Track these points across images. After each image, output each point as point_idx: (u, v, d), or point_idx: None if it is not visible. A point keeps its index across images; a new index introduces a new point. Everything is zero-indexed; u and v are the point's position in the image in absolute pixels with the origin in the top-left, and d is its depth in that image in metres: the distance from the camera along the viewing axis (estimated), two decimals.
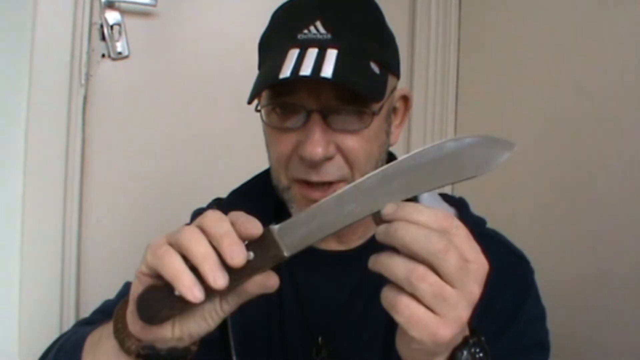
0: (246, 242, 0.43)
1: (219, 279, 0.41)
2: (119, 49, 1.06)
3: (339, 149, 0.58)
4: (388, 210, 0.43)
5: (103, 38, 1.05)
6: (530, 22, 1.06)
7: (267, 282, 0.44)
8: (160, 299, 0.43)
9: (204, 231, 0.43)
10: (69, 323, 1.01)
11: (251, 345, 0.63)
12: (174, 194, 1.10)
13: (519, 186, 1.05)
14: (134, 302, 0.44)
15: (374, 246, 0.65)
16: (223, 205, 0.71)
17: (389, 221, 0.42)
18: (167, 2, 1.10)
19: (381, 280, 0.63)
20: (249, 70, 1.16)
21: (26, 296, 0.97)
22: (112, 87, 1.07)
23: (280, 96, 0.58)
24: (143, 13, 1.09)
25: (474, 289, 0.41)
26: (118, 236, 1.08)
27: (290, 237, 0.45)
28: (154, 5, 1.08)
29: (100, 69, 1.06)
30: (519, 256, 0.67)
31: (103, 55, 1.06)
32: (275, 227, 0.45)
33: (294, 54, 0.55)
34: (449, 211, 0.66)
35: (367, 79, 0.56)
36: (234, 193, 0.72)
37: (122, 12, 1.06)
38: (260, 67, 0.63)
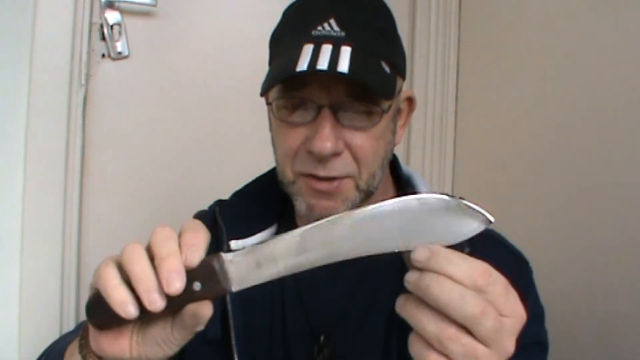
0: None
1: (153, 303, 0.39)
2: (119, 49, 1.06)
3: (347, 146, 0.58)
4: (420, 256, 0.39)
5: (103, 38, 1.05)
6: (530, 22, 1.06)
7: (199, 311, 0.42)
8: (104, 307, 0.41)
9: (149, 248, 0.42)
10: (69, 323, 1.01)
11: (252, 344, 0.63)
12: (174, 194, 1.10)
13: (519, 187, 1.05)
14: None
15: None
16: (225, 206, 0.71)
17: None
18: (167, 2, 1.10)
19: (383, 279, 0.63)
20: (249, 69, 1.17)
21: (26, 296, 0.97)
22: (112, 87, 1.07)
23: (292, 90, 0.58)
24: (143, 13, 1.09)
25: (509, 345, 0.39)
26: (118, 236, 1.08)
27: (242, 270, 0.41)
28: (154, 5, 1.08)
29: (100, 69, 1.06)
30: (518, 256, 0.67)
31: (103, 55, 1.06)
32: (227, 257, 0.42)
33: (308, 49, 0.55)
34: None
35: (379, 77, 0.56)
36: (237, 194, 0.72)
37: (122, 12, 1.06)
38: (271, 62, 0.63)
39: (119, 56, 1.07)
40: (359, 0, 0.61)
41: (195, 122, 1.14)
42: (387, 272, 0.65)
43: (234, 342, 0.61)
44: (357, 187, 0.60)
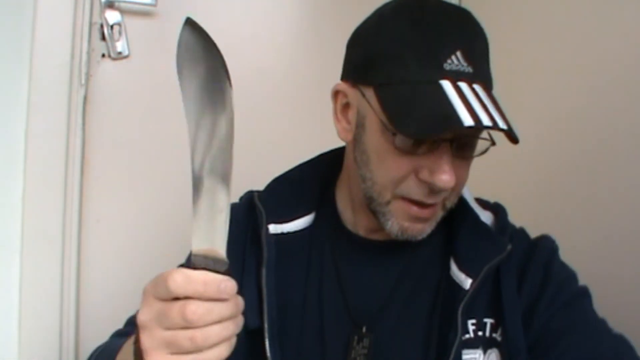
0: None
1: None
2: (119, 49, 1.06)
3: None
4: None
5: (103, 38, 1.05)
6: (531, 22, 1.06)
7: None
8: None
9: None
10: (69, 323, 1.01)
11: (285, 330, 0.64)
12: (174, 194, 1.10)
13: (519, 187, 1.05)
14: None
15: (418, 240, 0.66)
16: (264, 191, 0.70)
17: None
18: (167, 2, 1.10)
19: (425, 270, 0.65)
20: (249, 69, 1.17)
21: (26, 296, 0.97)
22: (112, 87, 1.07)
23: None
24: (143, 13, 1.09)
25: None
26: (118, 236, 1.08)
27: None
28: (154, 5, 1.08)
29: (100, 69, 1.06)
30: (533, 243, 0.67)
31: (103, 55, 1.06)
32: None
33: (449, 87, 0.54)
34: (487, 217, 0.68)
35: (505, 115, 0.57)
36: (276, 180, 0.72)
37: (122, 12, 1.06)
38: (384, 81, 0.58)
39: (119, 56, 1.07)
40: (477, 29, 0.61)
41: None
42: (430, 262, 0.66)
43: (266, 325, 0.61)
44: (444, 207, 0.62)
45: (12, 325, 0.96)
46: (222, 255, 0.44)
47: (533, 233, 0.70)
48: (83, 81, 1.02)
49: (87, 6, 1.02)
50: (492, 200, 0.73)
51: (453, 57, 0.56)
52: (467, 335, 0.60)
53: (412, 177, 0.58)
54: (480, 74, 0.57)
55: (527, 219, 0.72)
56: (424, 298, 0.64)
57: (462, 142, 0.58)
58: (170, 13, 1.11)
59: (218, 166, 0.47)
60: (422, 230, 0.61)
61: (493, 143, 0.60)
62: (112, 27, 1.05)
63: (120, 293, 1.04)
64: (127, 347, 0.52)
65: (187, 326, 0.42)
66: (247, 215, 0.68)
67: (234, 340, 0.45)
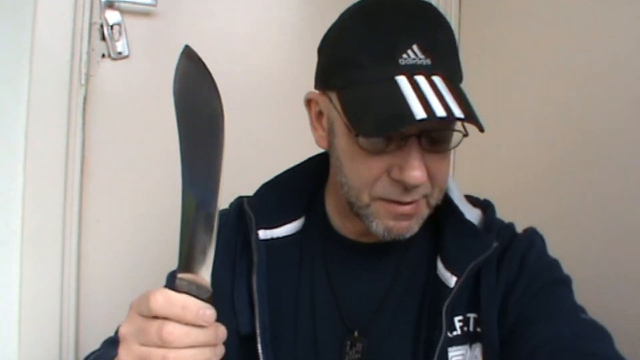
0: None
1: None
2: (119, 49, 1.06)
3: (427, 169, 0.58)
4: None
5: (103, 38, 1.05)
6: (531, 22, 1.06)
7: None
8: None
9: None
10: (69, 323, 1.01)
11: (277, 335, 0.64)
12: (174, 194, 1.10)
13: (519, 187, 1.05)
14: None
15: (407, 240, 0.66)
16: (254, 196, 0.70)
17: None
18: (167, 2, 1.10)
19: (414, 272, 0.65)
20: (249, 69, 1.17)
21: (26, 296, 0.97)
22: (112, 87, 1.07)
23: None
24: (143, 13, 1.09)
25: None
26: (118, 236, 1.08)
27: None
28: (154, 5, 1.08)
29: (100, 69, 1.06)
30: (514, 235, 0.67)
31: (103, 55, 1.06)
32: None
33: (404, 82, 0.54)
34: (475, 215, 0.67)
35: (472, 107, 0.56)
36: (266, 185, 0.72)
37: (122, 12, 1.06)
38: (345, 84, 0.59)
39: (119, 56, 1.07)
40: (433, 21, 0.59)
41: None
42: (419, 263, 0.66)
43: (258, 331, 0.61)
44: (429, 204, 0.61)
45: (12, 325, 0.96)
46: (206, 283, 0.46)
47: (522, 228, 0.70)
48: (83, 81, 1.02)
49: (87, 6, 1.02)
50: (494, 198, 0.72)
51: (409, 52, 0.55)
52: (454, 333, 0.60)
53: (385, 177, 0.58)
54: (441, 66, 0.56)
55: (521, 216, 0.72)
56: (414, 299, 0.64)
57: (431, 137, 0.57)
58: (170, 13, 1.11)
59: (206, 202, 0.51)
60: (409, 228, 0.60)
61: (465, 134, 0.58)
62: (112, 27, 1.05)
63: (120, 293, 1.04)
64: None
65: (163, 345, 0.43)
66: (237, 222, 0.68)
67: None
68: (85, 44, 1.02)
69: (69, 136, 1.01)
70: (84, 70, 1.02)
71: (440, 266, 0.62)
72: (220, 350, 0.46)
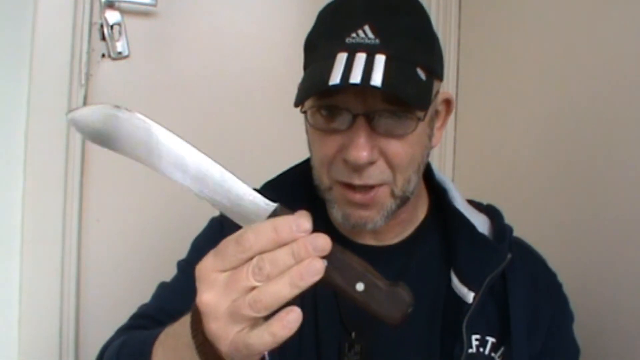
0: None
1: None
2: (119, 49, 1.06)
3: (383, 153, 0.58)
4: None
5: (103, 38, 1.05)
6: (531, 22, 1.06)
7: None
8: None
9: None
10: (69, 323, 1.01)
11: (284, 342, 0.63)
12: (174, 194, 1.10)
13: (519, 187, 1.05)
14: None
15: (411, 244, 0.66)
16: None
17: None
18: (167, 2, 1.10)
19: (419, 278, 0.64)
20: (249, 69, 1.17)
21: (26, 296, 0.97)
22: (112, 87, 1.07)
23: (327, 98, 0.58)
24: (143, 13, 1.09)
25: None
26: (118, 236, 1.08)
27: None
28: (154, 5, 1.08)
29: (100, 69, 1.06)
30: (552, 272, 0.68)
31: (103, 55, 1.06)
32: None
33: (342, 58, 0.55)
34: (482, 222, 0.67)
35: (414, 86, 0.56)
36: (267, 185, 0.72)
37: (122, 12, 1.06)
38: (305, 68, 0.63)
39: (119, 56, 1.07)
40: (394, 4, 0.59)
41: (195, 122, 1.13)
42: (427, 271, 0.65)
43: None
44: (393, 193, 0.60)
45: (12, 325, 0.96)
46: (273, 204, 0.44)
47: (526, 234, 0.70)
48: (83, 81, 1.02)
49: (87, 6, 1.02)
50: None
51: (359, 31, 0.56)
52: (470, 350, 0.60)
53: (338, 157, 0.58)
54: (390, 45, 0.55)
55: (521, 217, 0.73)
56: (422, 308, 0.62)
57: (379, 116, 0.56)
58: (170, 13, 1.11)
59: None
60: (368, 218, 0.59)
61: (418, 119, 0.57)
62: (112, 27, 1.05)
63: (120, 293, 1.04)
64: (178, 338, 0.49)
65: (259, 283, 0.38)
66: None
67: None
68: (85, 44, 1.02)
69: (69, 136, 1.01)
70: (84, 70, 1.02)
71: (455, 280, 0.62)
72: (321, 264, 0.39)
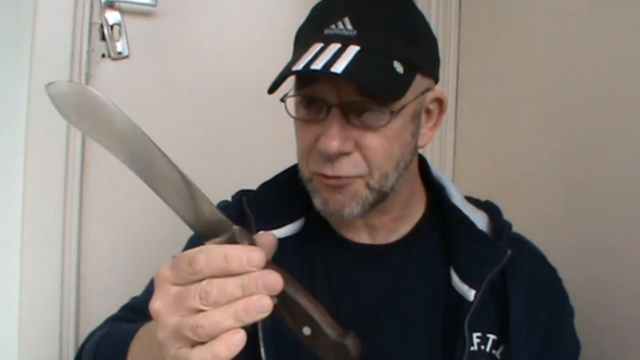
0: None
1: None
2: (119, 49, 1.06)
3: (358, 146, 0.58)
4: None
5: (103, 38, 1.05)
6: (531, 22, 1.06)
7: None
8: None
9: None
10: (69, 323, 1.01)
11: (280, 338, 0.63)
12: None
13: (519, 187, 1.05)
14: None
15: (409, 242, 0.66)
16: (253, 197, 0.70)
17: None
18: (167, 2, 1.10)
19: (418, 277, 0.64)
20: (249, 69, 1.17)
21: (26, 296, 0.97)
22: (112, 87, 1.07)
23: (303, 88, 0.59)
24: (143, 13, 1.09)
25: None
26: (118, 236, 1.08)
27: None
28: (154, 5, 1.08)
29: (100, 69, 1.06)
30: (552, 267, 0.68)
31: (103, 55, 1.06)
32: None
33: (316, 48, 0.56)
34: (481, 219, 0.66)
35: (384, 77, 0.55)
36: (265, 185, 0.72)
37: (122, 12, 1.06)
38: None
39: (119, 56, 1.07)
40: None
41: (195, 122, 1.14)
42: (426, 269, 0.65)
43: (260, 334, 0.60)
44: (368, 185, 0.59)
45: (12, 325, 0.96)
46: (235, 227, 0.44)
47: (525, 233, 0.70)
48: (83, 81, 1.02)
49: (87, 6, 1.02)
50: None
51: (339, 23, 0.56)
52: (472, 348, 0.59)
53: (315, 148, 0.59)
54: (366, 37, 0.56)
55: (520, 214, 0.73)
56: (422, 306, 0.63)
57: (355, 108, 0.57)
58: (170, 13, 1.11)
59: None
60: (344, 203, 0.59)
61: (392, 112, 0.57)
62: (112, 27, 1.05)
63: (120, 293, 1.04)
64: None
65: (205, 307, 0.39)
66: (240, 217, 0.68)
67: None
68: (85, 44, 1.02)
69: (69, 136, 1.01)
70: (84, 70, 1.02)
71: (455, 278, 0.61)
72: (267, 302, 0.39)
